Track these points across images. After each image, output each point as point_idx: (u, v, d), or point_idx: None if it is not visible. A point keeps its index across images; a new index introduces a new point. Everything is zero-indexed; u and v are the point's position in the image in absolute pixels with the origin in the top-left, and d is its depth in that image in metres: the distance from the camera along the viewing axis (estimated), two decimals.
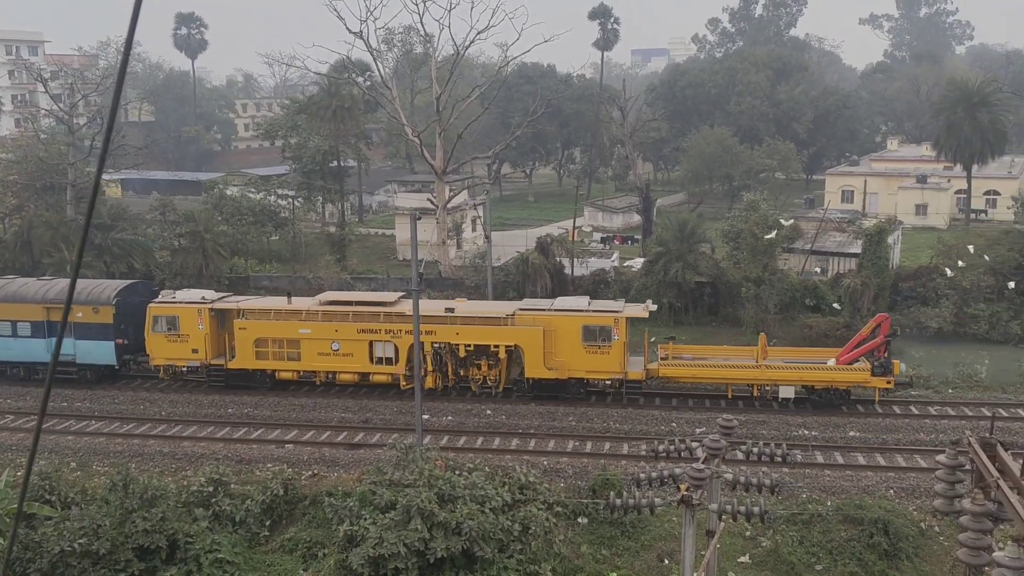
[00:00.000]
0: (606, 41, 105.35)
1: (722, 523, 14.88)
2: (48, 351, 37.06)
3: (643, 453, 27.89)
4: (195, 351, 36.55)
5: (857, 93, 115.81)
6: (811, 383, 33.66)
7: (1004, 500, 11.87)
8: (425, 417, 32.36)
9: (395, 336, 34.94)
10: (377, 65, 63.82)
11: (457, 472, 24.46)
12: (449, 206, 59.95)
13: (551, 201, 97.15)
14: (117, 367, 38.10)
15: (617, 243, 71.50)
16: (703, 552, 14.81)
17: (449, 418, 33.44)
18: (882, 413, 32.64)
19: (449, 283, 54.95)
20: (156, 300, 37.83)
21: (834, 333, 42.72)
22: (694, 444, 15.22)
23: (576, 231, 64.53)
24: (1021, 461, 13.11)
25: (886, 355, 33.25)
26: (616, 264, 57.89)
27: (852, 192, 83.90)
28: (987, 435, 13.66)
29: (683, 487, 13.90)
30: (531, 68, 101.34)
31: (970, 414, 32.12)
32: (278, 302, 37.76)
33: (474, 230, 70.08)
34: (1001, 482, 12.12)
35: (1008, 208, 76.13)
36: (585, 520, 25.49)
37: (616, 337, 33.67)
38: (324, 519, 25.07)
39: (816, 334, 43.62)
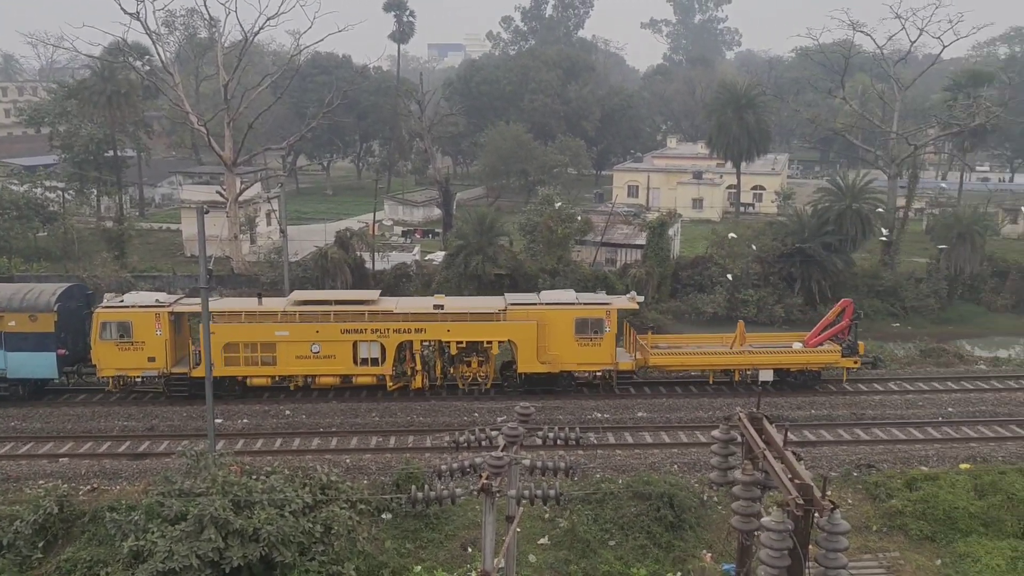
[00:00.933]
0: (402, 34, 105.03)
1: (521, 508, 15.31)
2: None
3: (445, 445, 28.13)
4: (152, 359, 32.96)
5: (640, 94, 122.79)
6: (787, 366, 35.05)
7: (770, 469, 13.03)
8: (218, 421, 30.86)
9: (382, 335, 33.27)
10: (157, 49, 59.81)
11: (254, 476, 23.52)
12: (241, 199, 57.44)
13: (350, 195, 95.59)
14: (58, 380, 34.15)
15: (418, 237, 71.60)
16: (504, 537, 15.17)
17: (245, 420, 32.11)
18: (666, 394, 34.86)
19: (243, 280, 52.71)
20: (104, 304, 33.68)
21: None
22: (494, 433, 15.55)
23: (377, 225, 63.93)
24: (783, 433, 14.46)
25: (851, 337, 35.46)
26: (417, 258, 57.97)
27: (637, 187, 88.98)
28: (755, 410, 14.92)
29: (484, 475, 14.16)
30: (326, 58, 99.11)
31: (742, 391, 34.98)
32: (248, 303, 34.76)
33: (269, 224, 67.61)
34: (767, 453, 13.28)
35: (772, 202, 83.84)
36: (389, 515, 25.37)
37: (608, 329, 33.70)
38: (106, 536, 23.28)
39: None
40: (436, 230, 71.22)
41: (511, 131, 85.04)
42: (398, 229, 74.20)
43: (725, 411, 31.27)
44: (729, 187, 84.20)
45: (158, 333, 32.84)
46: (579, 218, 55.22)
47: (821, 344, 35.75)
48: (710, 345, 36.51)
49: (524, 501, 14.43)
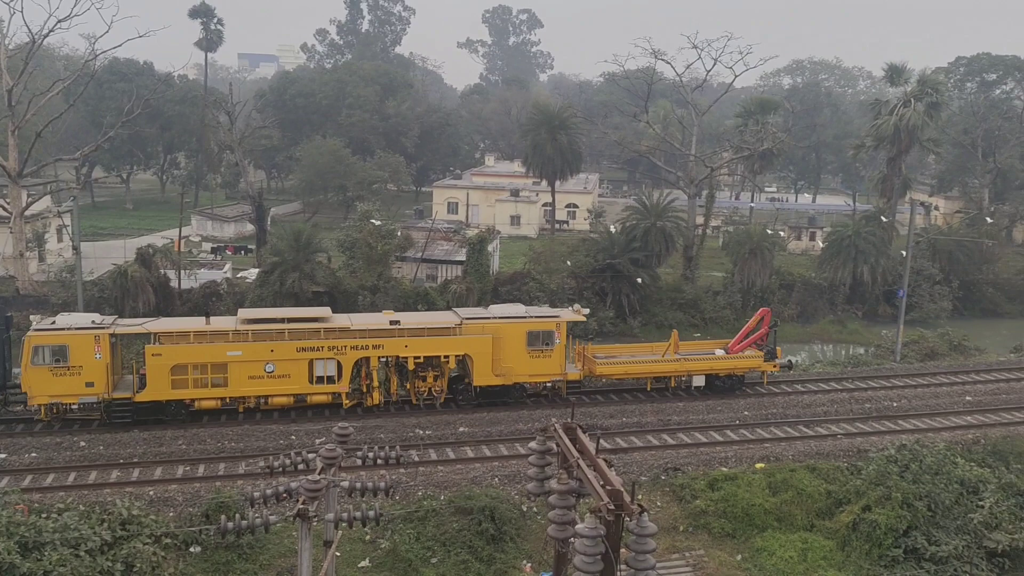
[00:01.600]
0: (209, 42, 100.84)
1: (339, 531, 14.94)
2: None
3: (260, 471, 27.00)
4: (90, 384, 30.73)
5: (458, 112, 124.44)
6: (717, 372, 37.25)
7: (583, 477, 13.47)
8: (2, 456, 28.06)
9: (339, 352, 32.65)
10: None
11: (44, 515, 21.54)
12: (27, 213, 52.79)
13: (153, 209, 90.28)
14: None
15: (229, 253, 68.62)
16: (323, 563, 14.73)
17: (33, 454, 29.36)
18: (487, 409, 35.27)
19: (31, 301, 48.41)
20: (36, 327, 31.11)
21: None
22: (311, 455, 15.11)
23: (183, 241, 60.65)
24: (596, 441, 15.00)
25: (771, 343, 37.81)
26: (229, 275, 55.52)
27: (457, 204, 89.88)
28: (569, 421, 15.39)
29: (300, 500, 13.70)
30: (125, 64, 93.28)
31: (559, 402, 35.99)
32: (196, 323, 33.18)
33: (60, 241, 62.52)
34: (580, 462, 13.73)
35: (585, 219, 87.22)
36: (199, 549, 23.98)
37: (558, 341, 34.67)
38: None
39: None
40: (249, 246, 68.59)
41: (328, 146, 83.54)
42: (207, 245, 70.82)
43: (543, 422, 32.05)
44: (545, 204, 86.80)
45: (97, 356, 30.90)
46: (399, 234, 55.01)
47: (743, 351, 38.27)
48: (642, 354, 38.42)
49: (343, 524, 14.09)
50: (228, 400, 32.53)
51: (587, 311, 39.01)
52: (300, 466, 14.95)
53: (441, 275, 57.34)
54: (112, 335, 31.42)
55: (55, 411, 31.65)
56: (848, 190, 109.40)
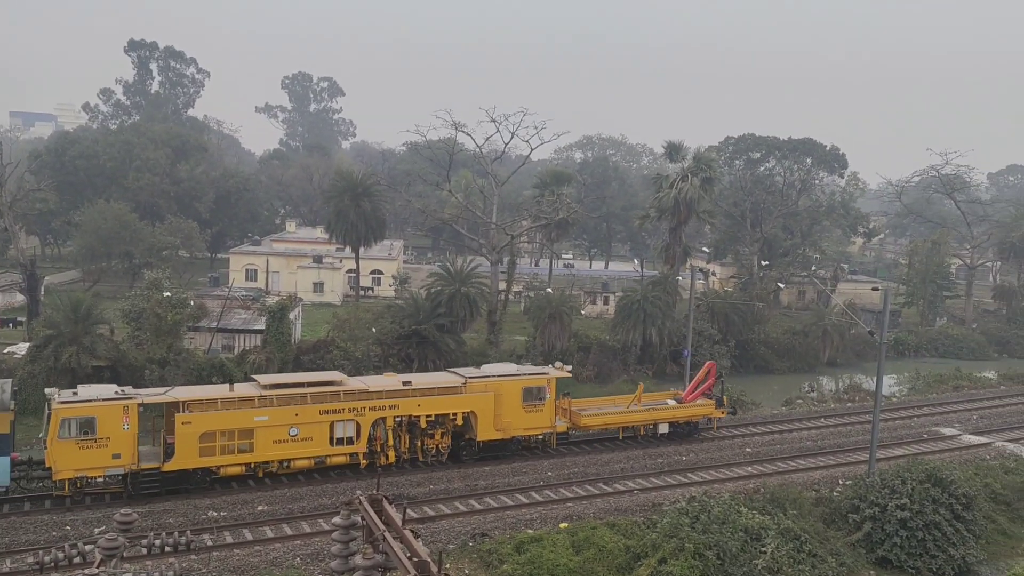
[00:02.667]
0: None
1: None
2: None
3: (29, 568, 24.27)
4: (117, 456, 30.21)
5: (256, 177, 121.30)
6: (678, 419, 41.94)
7: (389, 550, 13.24)
8: None
9: (358, 414, 34.12)
10: None
11: None
12: None
13: None
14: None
15: None
16: None
17: None
18: (288, 484, 33.83)
19: None
20: (61, 400, 30.11)
21: None
22: (88, 547, 13.81)
23: None
24: (402, 512, 14.82)
25: (719, 393, 43.53)
26: None
27: (256, 270, 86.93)
28: (374, 492, 15.13)
29: None
30: None
31: (365, 473, 35.18)
32: (219, 390, 33.96)
33: None
34: (387, 534, 13.51)
35: (390, 285, 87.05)
36: None
37: (548, 396, 37.81)
38: None
39: None
40: (18, 318, 62.60)
41: (112, 210, 78.46)
42: None
43: (348, 495, 31.19)
44: (349, 271, 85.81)
45: (125, 427, 30.56)
46: (192, 303, 52.29)
47: (696, 400, 42.81)
48: (610, 407, 42.03)
49: None
50: (253, 465, 32.91)
51: (569, 368, 42.03)
52: (76, 559, 13.65)
53: (238, 345, 54.91)
54: (140, 405, 31.14)
55: (78, 485, 30.42)
56: (636, 257, 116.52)
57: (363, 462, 34.62)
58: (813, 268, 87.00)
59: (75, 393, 31.24)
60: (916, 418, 49.81)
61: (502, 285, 64.43)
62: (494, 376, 37.54)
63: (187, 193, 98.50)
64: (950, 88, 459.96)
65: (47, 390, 32.73)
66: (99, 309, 48.30)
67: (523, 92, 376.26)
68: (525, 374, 38.37)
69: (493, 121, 66.99)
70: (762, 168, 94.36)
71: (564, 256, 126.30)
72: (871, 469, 36.01)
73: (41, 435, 31.70)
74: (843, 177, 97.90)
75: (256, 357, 49.36)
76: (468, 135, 70.26)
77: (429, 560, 12.17)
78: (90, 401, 30.47)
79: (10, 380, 31.80)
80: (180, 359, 47.16)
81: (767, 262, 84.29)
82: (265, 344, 51.45)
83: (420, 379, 37.63)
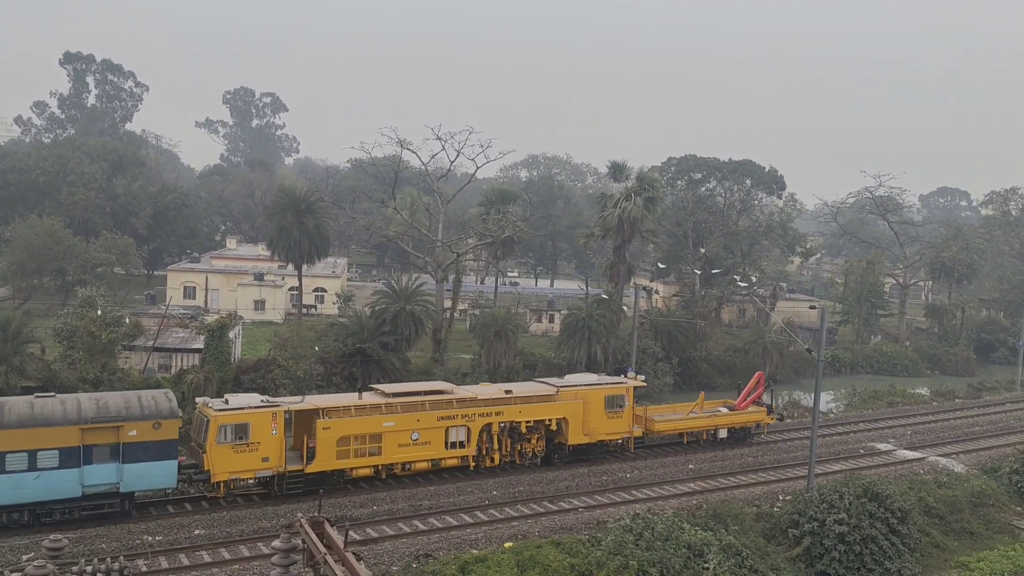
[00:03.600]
0: None
1: None
2: (81, 484, 29.55)
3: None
4: (266, 459, 33.18)
5: (196, 192, 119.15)
6: (735, 425, 45.80)
7: (331, 574, 12.99)
8: None
9: (469, 420, 37.54)
10: None
11: None
12: None
13: None
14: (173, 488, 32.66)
15: None
16: None
17: None
18: (227, 507, 33.04)
19: None
20: (219, 408, 32.93)
21: None
22: (14, 575, 13.28)
23: None
24: (345, 534, 14.56)
25: (768, 401, 47.55)
26: None
27: (194, 288, 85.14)
28: (316, 514, 14.85)
29: None
30: None
31: (306, 496, 34.56)
32: (348, 398, 36.97)
33: None
34: (328, 557, 13.25)
35: (333, 303, 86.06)
36: None
37: (627, 403, 41.77)
38: None
39: None
40: None
41: (45, 225, 76.12)
42: None
43: (289, 517, 30.59)
44: (291, 289, 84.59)
45: (274, 433, 33.29)
46: (127, 321, 50.92)
47: (747, 408, 46.46)
48: (670, 414, 45.64)
49: None
50: (380, 467, 35.86)
51: (642, 377, 45.84)
52: None
53: (176, 364, 53.59)
54: (287, 412, 33.86)
55: (231, 487, 33.05)
56: (581, 275, 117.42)
57: (472, 464, 38.22)
58: (754, 285, 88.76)
59: (226, 401, 33.81)
60: (853, 434, 50.92)
61: (447, 303, 64.23)
62: (581, 385, 41.50)
63: (123, 208, 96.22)
64: (880, 108, 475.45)
65: (198, 399, 35.63)
66: (29, 327, 46.77)
67: (470, 109, 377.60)
68: (607, 384, 42.31)
69: (439, 139, 67.00)
70: (703, 188, 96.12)
71: (510, 274, 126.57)
72: (810, 484, 36.67)
73: (192, 443, 34.07)
74: (781, 198, 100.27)
75: (194, 377, 48.18)
76: (413, 152, 70.12)
77: None
78: (243, 409, 33.14)
79: (160, 391, 33.26)
80: (114, 379, 45.85)
81: (708, 281, 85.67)
82: (204, 363, 50.28)
83: (518, 388, 41.21)
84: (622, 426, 41.82)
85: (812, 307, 59.74)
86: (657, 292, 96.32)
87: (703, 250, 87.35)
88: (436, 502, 34.96)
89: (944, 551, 36.46)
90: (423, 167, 70.14)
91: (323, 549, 13.34)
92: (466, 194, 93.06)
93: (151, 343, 52.97)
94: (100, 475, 30.10)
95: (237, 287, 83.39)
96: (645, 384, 45.81)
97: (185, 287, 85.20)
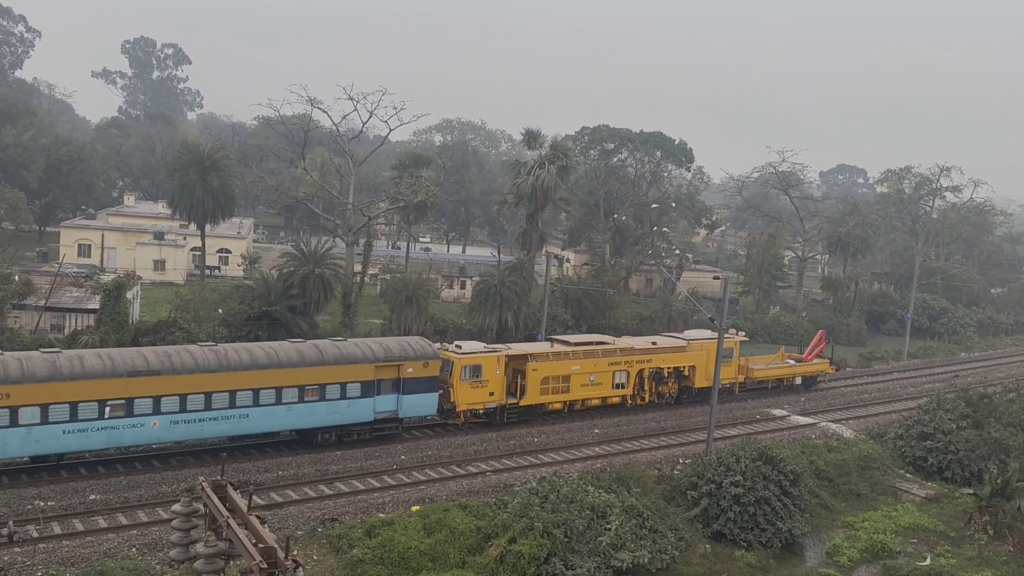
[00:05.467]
0: None
1: None
2: (376, 411, 36.82)
3: None
4: (492, 394, 40.69)
5: (92, 146, 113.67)
6: (808, 374, 55.91)
7: (234, 537, 12.74)
8: None
9: (629, 365, 45.96)
10: None
11: None
12: None
13: None
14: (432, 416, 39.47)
15: None
16: None
17: None
18: (124, 471, 32.03)
19: None
20: (461, 352, 40.16)
21: None
22: None
23: None
24: (248, 498, 14.28)
25: (829, 355, 58.39)
26: None
27: (90, 246, 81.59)
28: (219, 478, 14.51)
29: None
30: None
31: (208, 459, 33.78)
32: (544, 346, 44.78)
33: None
34: (231, 521, 12.99)
35: (239, 265, 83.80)
36: None
37: (734, 355, 50.47)
38: None
39: None
40: None
41: None
42: None
43: (190, 482, 29.88)
44: (194, 249, 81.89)
45: (498, 373, 40.91)
46: (16, 279, 48.41)
47: (813, 360, 56.33)
48: (766, 364, 54.85)
49: None
50: (567, 403, 44.09)
51: (745, 334, 55.42)
52: None
53: (69, 325, 51.34)
54: (507, 356, 41.52)
55: (466, 416, 40.77)
56: (494, 242, 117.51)
57: (629, 402, 46.45)
58: (663, 256, 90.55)
59: (458, 347, 40.85)
60: (750, 400, 52.86)
61: (358, 267, 63.31)
62: (703, 339, 49.45)
63: (13, 160, 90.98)
64: (789, 86, 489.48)
65: (435, 345, 40.41)
66: None
67: (385, 70, 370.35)
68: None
69: (351, 99, 65.42)
70: (615, 159, 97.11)
71: (422, 239, 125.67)
72: (709, 448, 37.98)
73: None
74: (690, 171, 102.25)
75: (89, 338, 46.34)
76: (324, 112, 68.45)
77: (275, 546, 11.79)
78: (476, 353, 40.69)
79: (417, 338, 39.81)
80: (3, 339, 43.65)
81: (618, 250, 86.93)
82: (99, 324, 48.35)
83: (660, 341, 49.05)
84: (731, 373, 50.27)
85: (716, 278, 61.51)
86: (568, 260, 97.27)
87: (614, 218, 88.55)
88: (343, 466, 34.74)
89: (832, 512, 38.41)
90: (334, 128, 68.47)
91: (226, 513, 13.07)
92: (379, 157, 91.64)
93: (43, 302, 50.56)
94: (386, 404, 37.18)
95: (136, 246, 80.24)
96: (747, 339, 55.91)
97: (80, 245, 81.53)
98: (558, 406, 43.79)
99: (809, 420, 48.87)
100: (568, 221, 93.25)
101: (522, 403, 42.03)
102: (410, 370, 37.29)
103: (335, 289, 58.41)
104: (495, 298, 62.43)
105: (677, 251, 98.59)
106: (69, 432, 29.47)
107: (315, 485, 32.37)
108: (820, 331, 59.19)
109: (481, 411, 41.11)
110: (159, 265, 78.87)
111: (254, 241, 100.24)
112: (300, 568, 11.50)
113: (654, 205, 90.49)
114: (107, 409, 30.06)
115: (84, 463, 32.31)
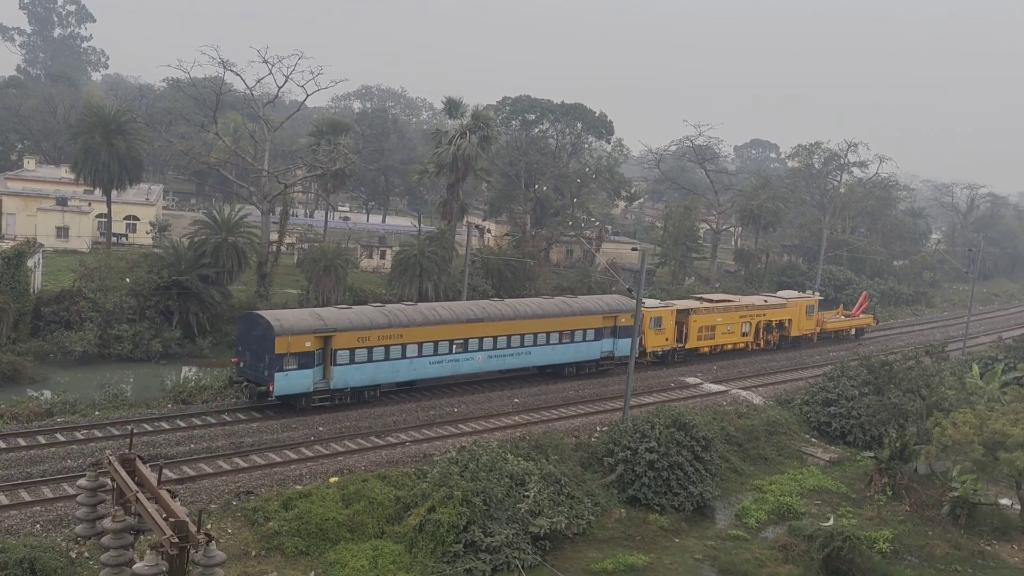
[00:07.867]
0: None
1: None
2: (601, 351, 48.21)
3: None
4: (667, 340, 53.00)
5: None
6: (859, 326, 70.95)
7: (143, 511, 12.38)
8: None
9: (751, 319, 58.71)
10: None
11: None
12: None
13: None
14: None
15: None
16: None
17: None
18: (26, 446, 30.79)
19: None
20: (648, 306, 50.97)
21: None
22: None
23: None
24: (159, 472, 13.89)
25: (872, 311, 74.72)
26: None
27: None
28: (127, 451, 14.04)
29: None
30: None
31: (116, 433, 32.78)
32: (693, 303, 56.78)
33: None
34: (140, 495, 12.60)
35: (147, 233, 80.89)
36: None
37: (815, 311, 64.40)
38: None
39: None
40: None
41: None
42: None
43: (97, 456, 28.98)
44: (99, 216, 78.60)
45: (671, 323, 52.96)
46: None
47: (860, 315, 71.19)
48: (833, 318, 68.79)
49: None
50: (712, 348, 56.37)
51: (820, 293, 70.66)
52: None
53: None
54: (677, 310, 53.68)
55: (650, 358, 52.28)
56: (414, 212, 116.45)
57: (751, 347, 59.40)
58: (582, 228, 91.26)
59: (644, 303, 45.68)
60: (665, 368, 54.12)
61: (274, 236, 61.91)
62: (796, 298, 63.83)
63: None
64: (711, 58, 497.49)
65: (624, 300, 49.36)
66: None
67: (301, 22, 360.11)
68: (805, 298, 64.57)
69: (265, 62, 63.61)
70: (536, 130, 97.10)
71: (341, 208, 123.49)
72: (625, 416, 38.76)
73: None
74: (610, 143, 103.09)
75: None
76: (238, 75, 66.43)
77: (187, 520, 11.50)
78: (658, 307, 52.68)
79: (619, 295, 51.77)
80: None
81: (539, 221, 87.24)
82: None
83: (769, 299, 62.32)
84: (812, 326, 64.38)
85: (634, 249, 63.32)
86: (489, 231, 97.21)
87: (535, 189, 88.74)
88: (259, 439, 34.20)
89: (742, 475, 39.77)
90: (248, 91, 66.40)
91: (134, 487, 12.68)
92: (295, 122, 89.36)
93: None
94: (607, 346, 48.35)
95: (37, 212, 76.45)
96: (823, 297, 70.75)
97: None
98: (706, 350, 55.84)
99: (721, 387, 50.34)
100: (489, 192, 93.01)
101: (687, 347, 54.04)
102: (623, 320, 48.05)
103: (250, 258, 57.09)
104: (415, 268, 62.04)
105: (596, 223, 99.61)
106: (434, 363, 40.37)
107: (229, 458, 31.77)
108: (864, 292, 75.31)
109: (660, 352, 52.56)
110: (62, 232, 75.45)
111: (164, 208, 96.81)
112: (213, 542, 11.26)
113: (578, 180, 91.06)
114: (454, 347, 40.74)
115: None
